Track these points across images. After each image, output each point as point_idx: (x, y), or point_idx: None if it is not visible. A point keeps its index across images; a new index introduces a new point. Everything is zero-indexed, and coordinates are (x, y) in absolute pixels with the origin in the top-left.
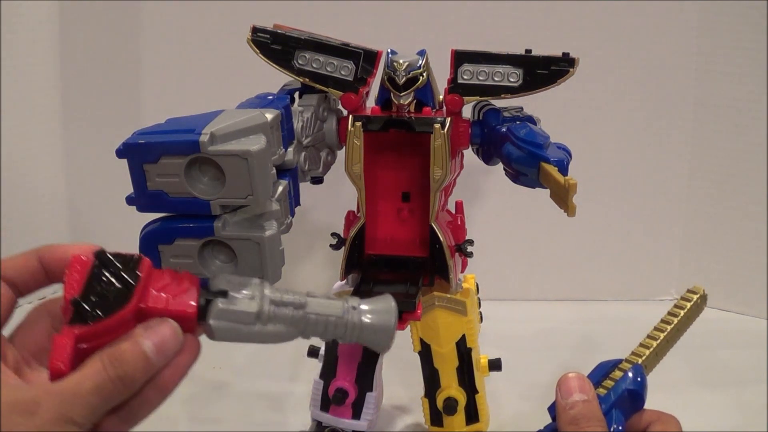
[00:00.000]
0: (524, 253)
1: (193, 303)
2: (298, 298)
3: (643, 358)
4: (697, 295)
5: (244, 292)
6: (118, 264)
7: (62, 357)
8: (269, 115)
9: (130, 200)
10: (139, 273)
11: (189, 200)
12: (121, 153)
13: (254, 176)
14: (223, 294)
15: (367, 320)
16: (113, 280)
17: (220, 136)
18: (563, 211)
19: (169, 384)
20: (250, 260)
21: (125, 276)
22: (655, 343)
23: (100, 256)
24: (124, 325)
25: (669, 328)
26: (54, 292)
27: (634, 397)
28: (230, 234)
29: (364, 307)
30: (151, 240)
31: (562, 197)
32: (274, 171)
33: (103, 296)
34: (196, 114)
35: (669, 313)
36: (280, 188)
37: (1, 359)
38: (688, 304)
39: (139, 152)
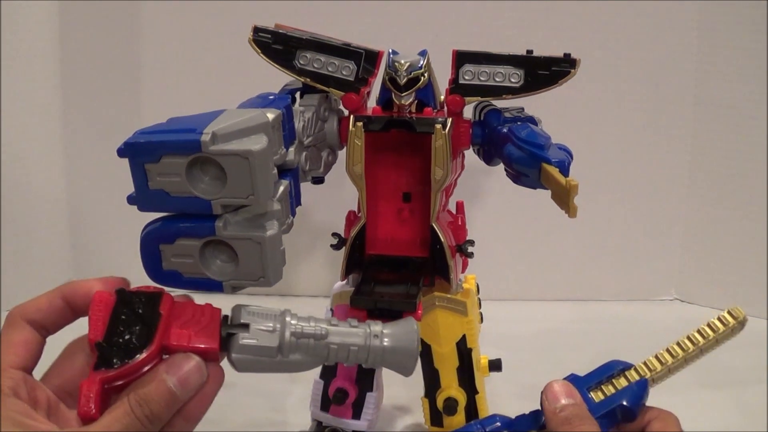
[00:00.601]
0: (524, 253)
1: (214, 339)
2: (319, 329)
3: (654, 372)
4: (736, 321)
5: (265, 325)
6: (139, 302)
7: (90, 402)
8: (271, 115)
9: (131, 199)
10: (160, 311)
11: (190, 200)
12: (122, 152)
13: (255, 176)
14: (245, 327)
15: (389, 345)
16: (136, 319)
17: (222, 135)
18: (564, 212)
19: (197, 413)
20: (251, 260)
21: (147, 315)
22: (671, 361)
23: (121, 294)
24: (149, 364)
25: (692, 348)
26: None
27: (627, 413)
28: (231, 234)
29: (386, 331)
30: (152, 239)
31: (563, 198)
32: (275, 171)
33: (126, 338)
34: (198, 113)
35: (698, 332)
36: (282, 188)
37: (32, 403)
38: (723, 328)
39: (140, 151)
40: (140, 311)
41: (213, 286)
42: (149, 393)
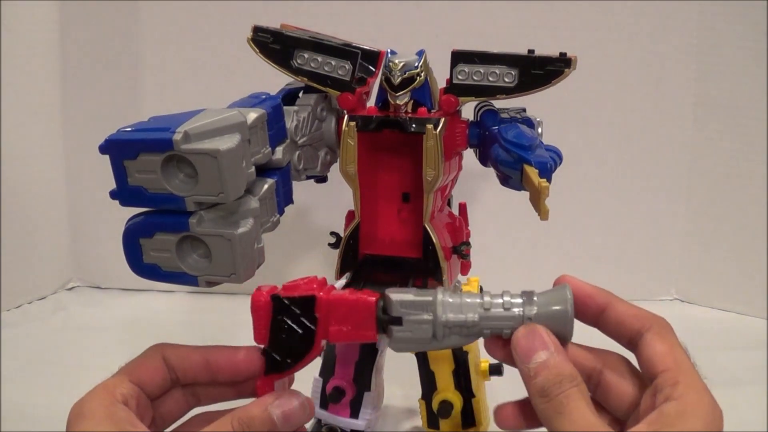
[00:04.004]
0: (524, 253)
1: (371, 331)
2: (472, 316)
3: None
4: None
5: (418, 316)
6: (295, 309)
7: None
8: (253, 115)
9: (113, 194)
10: (316, 315)
11: (166, 196)
12: (103, 149)
13: (223, 174)
14: (398, 321)
15: (543, 321)
16: (295, 327)
17: (194, 134)
18: (537, 214)
19: None
20: (222, 256)
21: (304, 320)
22: None
23: (277, 302)
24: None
25: None
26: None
27: None
28: (204, 230)
29: (538, 311)
30: (132, 233)
31: (536, 199)
32: (251, 170)
33: (289, 344)
34: (179, 113)
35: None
36: (265, 186)
37: (139, 417)
38: None
39: (119, 148)
40: (298, 317)
41: (189, 280)
42: (253, 417)
